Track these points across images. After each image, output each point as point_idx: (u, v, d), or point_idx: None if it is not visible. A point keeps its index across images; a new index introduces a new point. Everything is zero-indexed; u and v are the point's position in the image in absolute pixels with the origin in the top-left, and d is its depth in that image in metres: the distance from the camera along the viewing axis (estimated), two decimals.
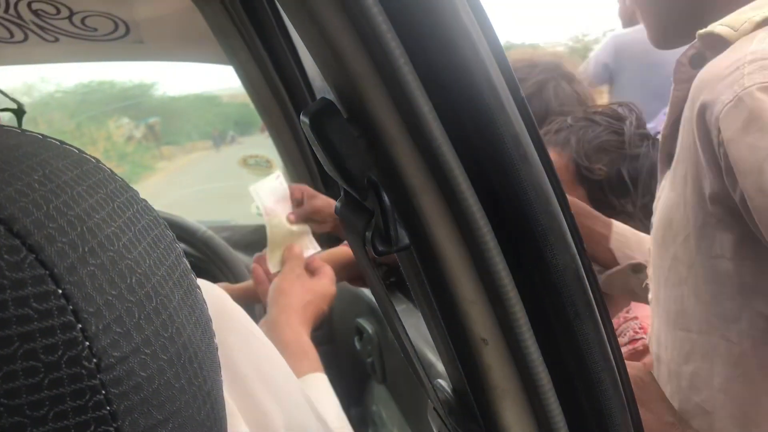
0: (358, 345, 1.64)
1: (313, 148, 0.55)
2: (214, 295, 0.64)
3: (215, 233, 1.94)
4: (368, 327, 1.59)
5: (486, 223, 0.51)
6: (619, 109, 1.24)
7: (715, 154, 0.62)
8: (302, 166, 1.81)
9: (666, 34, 0.79)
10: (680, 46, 0.77)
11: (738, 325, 0.68)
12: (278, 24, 1.49)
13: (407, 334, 0.57)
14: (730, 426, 0.72)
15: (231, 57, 1.62)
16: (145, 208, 0.36)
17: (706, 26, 0.71)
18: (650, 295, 0.84)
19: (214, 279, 1.81)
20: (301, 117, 0.54)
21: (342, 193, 0.58)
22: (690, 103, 0.68)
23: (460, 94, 0.49)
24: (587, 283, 0.51)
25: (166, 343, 0.31)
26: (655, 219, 0.80)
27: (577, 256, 0.51)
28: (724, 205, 0.65)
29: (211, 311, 0.39)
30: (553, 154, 1.17)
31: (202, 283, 0.66)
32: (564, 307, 0.51)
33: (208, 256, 1.86)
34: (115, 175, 0.36)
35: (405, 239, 0.53)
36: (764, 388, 0.69)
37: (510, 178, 0.50)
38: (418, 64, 0.48)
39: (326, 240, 1.58)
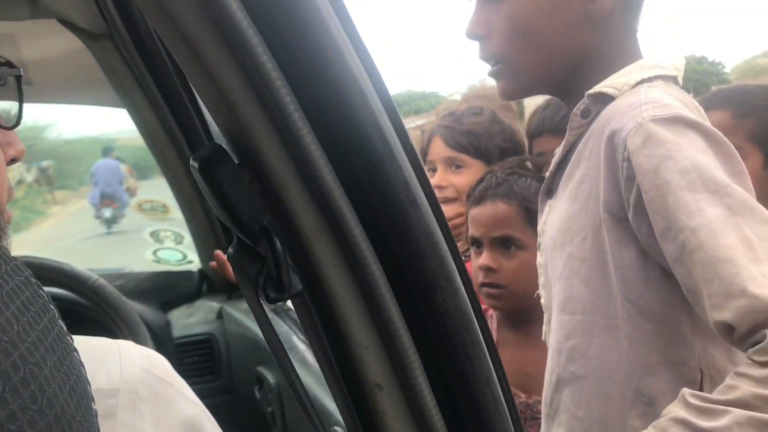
0: (258, 394, 1.60)
1: (204, 194, 0.54)
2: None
3: (108, 281, 1.86)
4: (269, 376, 1.56)
5: (379, 268, 0.51)
6: (527, 163, 1.45)
7: (617, 168, 0.82)
8: (200, 211, 1.78)
9: (524, 94, 1.00)
10: (520, 99, 1.00)
11: (615, 305, 0.87)
12: (173, 64, 1.47)
13: (302, 383, 0.56)
14: (596, 385, 0.89)
15: (124, 99, 1.58)
16: (16, 268, 0.34)
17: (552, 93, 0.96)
18: (542, 296, 1.02)
19: (105, 329, 1.73)
20: (191, 162, 0.53)
21: (234, 239, 0.57)
22: (597, 134, 0.88)
23: (351, 140, 0.50)
24: (477, 326, 0.52)
25: (35, 416, 0.29)
26: (550, 230, 0.98)
27: (467, 299, 0.52)
28: (613, 212, 0.85)
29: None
30: (502, 204, 1.34)
31: (144, 354, 0.64)
32: (455, 350, 0.52)
33: (99, 306, 1.78)
34: None
35: (298, 285, 0.53)
36: (628, 354, 0.87)
37: (401, 223, 0.51)
38: (309, 111, 0.49)
39: None
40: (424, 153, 1.76)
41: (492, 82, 0.99)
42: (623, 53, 0.92)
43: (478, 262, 1.33)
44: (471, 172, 1.61)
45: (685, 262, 0.75)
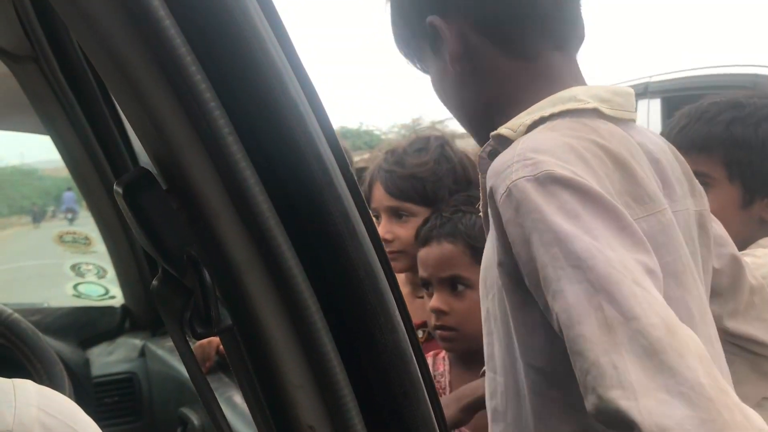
0: None
1: (128, 221, 0.51)
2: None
3: (24, 317, 1.76)
4: (193, 417, 1.50)
5: (314, 302, 0.49)
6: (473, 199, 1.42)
7: (503, 229, 0.79)
8: (124, 244, 1.71)
9: (479, 138, 0.98)
10: None
11: (521, 373, 0.83)
12: (101, 89, 1.41)
13: (229, 425, 0.52)
14: None
15: (48, 125, 1.51)
16: None
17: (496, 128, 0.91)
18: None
19: (18, 368, 1.63)
20: (115, 187, 0.50)
21: (159, 270, 0.53)
22: (484, 191, 0.86)
23: (288, 167, 0.47)
24: (416, 363, 0.50)
25: None
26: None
27: (406, 335, 0.50)
28: (510, 274, 0.80)
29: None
30: (447, 244, 1.31)
31: (41, 393, 0.59)
32: (393, 388, 0.49)
33: (12, 343, 1.67)
34: None
35: (227, 320, 0.50)
36: (536, 426, 0.83)
37: (339, 255, 0.48)
38: (244, 135, 0.46)
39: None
40: (367, 197, 1.61)
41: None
42: (528, 87, 0.88)
43: (429, 304, 1.32)
44: (419, 221, 1.44)
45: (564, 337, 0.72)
